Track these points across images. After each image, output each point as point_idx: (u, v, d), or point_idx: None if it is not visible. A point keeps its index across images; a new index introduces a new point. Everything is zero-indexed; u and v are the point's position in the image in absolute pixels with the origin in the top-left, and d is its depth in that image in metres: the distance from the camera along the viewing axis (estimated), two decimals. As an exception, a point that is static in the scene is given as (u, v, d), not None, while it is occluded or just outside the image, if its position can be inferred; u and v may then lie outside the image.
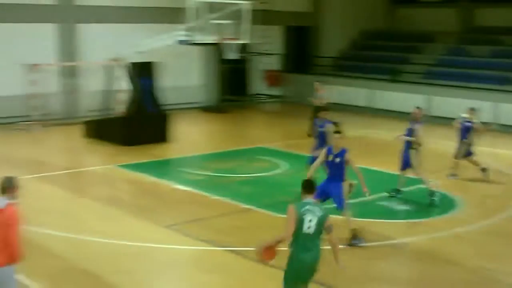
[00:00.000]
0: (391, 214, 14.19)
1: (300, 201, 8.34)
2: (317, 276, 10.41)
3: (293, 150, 20.61)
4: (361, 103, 29.87)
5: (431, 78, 28.89)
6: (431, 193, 14.86)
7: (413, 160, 15.07)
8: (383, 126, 25.35)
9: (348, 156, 12.03)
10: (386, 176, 17.40)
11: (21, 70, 23.48)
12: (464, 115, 17.49)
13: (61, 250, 11.52)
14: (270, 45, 31.39)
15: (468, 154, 17.48)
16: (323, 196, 12.00)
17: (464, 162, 17.49)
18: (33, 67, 22.96)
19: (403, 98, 27.93)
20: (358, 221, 12.50)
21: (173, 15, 23.03)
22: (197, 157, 19.85)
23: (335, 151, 12.08)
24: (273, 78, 31.85)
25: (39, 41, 24.39)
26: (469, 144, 17.40)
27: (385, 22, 36.82)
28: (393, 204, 14.81)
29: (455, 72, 29.31)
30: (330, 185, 12.15)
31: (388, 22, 36.94)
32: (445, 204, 14.90)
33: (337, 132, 12.46)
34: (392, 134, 21.23)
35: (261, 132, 26.03)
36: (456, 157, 17.53)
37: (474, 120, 17.38)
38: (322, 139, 14.66)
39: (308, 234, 8.24)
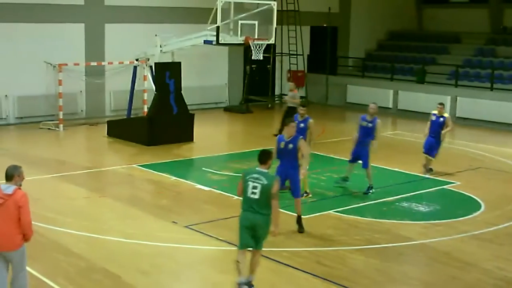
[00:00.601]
0: (410, 215, 14.10)
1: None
2: (334, 275, 10.47)
3: (316, 150, 20.53)
4: (387, 104, 29.70)
5: (458, 79, 28.64)
6: (370, 187, 15.51)
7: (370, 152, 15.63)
8: (407, 127, 25.21)
9: (300, 143, 12.67)
10: (407, 178, 17.31)
11: (47, 69, 23.71)
12: (435, 111, 17.68)
13: (81, 249, 11.58)
14: (296, 46, 31.36)
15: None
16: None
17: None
18: (58, 67, 23.13)
19: (429, 99, 27.75)
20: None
21: (199, 15, 23.11)
22: (219, 157, 19.88)
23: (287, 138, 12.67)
24: (298, 78, 31.81)
25: (65, 41, 24.54)
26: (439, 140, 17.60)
27: (413, 22, 36.60)
28: (413, 205, 14.73)
29: (482, 73, 29.08)
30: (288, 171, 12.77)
31: (415, 22, 36.71)
32: (465, 206, 14.79)
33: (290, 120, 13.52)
34: (416, 135, 21.20)
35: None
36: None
37: (445, 115, 17.57)
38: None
39: (252, 199, 9.44)
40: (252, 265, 9.84)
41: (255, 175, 9.49)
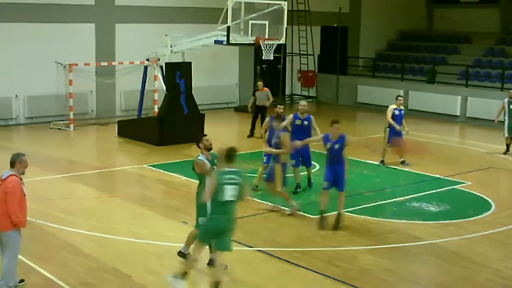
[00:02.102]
0: (421, 215, 14.06)
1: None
2: (345, 276, 10.47)
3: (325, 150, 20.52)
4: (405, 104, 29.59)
5: (468, 79, 28.56)
6: (297, 186, 15.55)
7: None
8: (417, 127, 25.12)
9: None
10: (418, 178, 17.28)
11: (57, 69, 23.77)
12: (393, 105, 18.38)
13: (91, 249, 11.62)
14: (306, 46, 31.35)
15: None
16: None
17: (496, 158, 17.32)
18: (69, 67, 23.19)
19: (439, 99, 27.71)
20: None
21: (210, 15, 23.10)
22: (230, 157, 19.85)
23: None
24: (308, 78, 31.78)
25: (76, 41, 24.58)
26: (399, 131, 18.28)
27: (423, 22, 36.51)
28: (424, 205, 14.70)
29: (492, 73, 28.99)
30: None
31: (425, 22, 36.62)
32: (476, 206, 14.76)
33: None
34: (427, 135, 21.17)
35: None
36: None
37: (402, 108, 18.51)
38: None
39: (229, 202, 9.25)
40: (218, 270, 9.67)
41: (230, 176, 9.28)
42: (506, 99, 20.72)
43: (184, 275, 9.65)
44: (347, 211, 14.03)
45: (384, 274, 10.77)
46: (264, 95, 22.91)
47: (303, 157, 15.59)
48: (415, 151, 10.65)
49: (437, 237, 12.64)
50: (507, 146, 20.40)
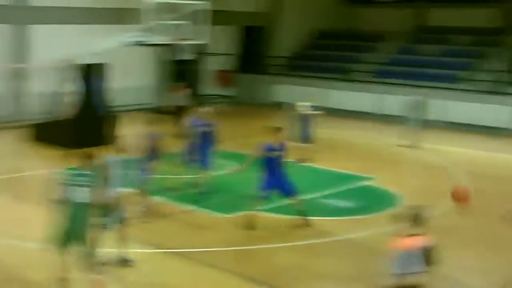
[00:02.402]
0: (333, 211, 14.31)
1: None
2: (258, 274, 10.54)
3: (240, 150, 20.62)
4: (314, 102, 29.94)
5: (382, 77, 29.17)
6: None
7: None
8: (334, 124, 25.51)
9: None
10: (330, 175, 17.54)
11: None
12: (302, 103, 19.15)
13: (1, 258, 11.34)
14: (223, 45, 31.41)
15: (306, 138, 18.92)
16: None
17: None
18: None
19: (355, 97, 28.16)
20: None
21: (127, 16, 22.90)
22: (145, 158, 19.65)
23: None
24: (225, 78, 31.86)
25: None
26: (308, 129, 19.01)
27: (339, 21, 37.01)
28: (336, 202, 14.94)
29: (405, 71, 29.66)
30: None
31: (341, 21, 37.13)
32: (386, 200, 15.08)
33: None
34: (342, 133, 21.51)
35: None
36: (301, 142, 18.87)
37: (311, 106, 19.21)
38: (203, 138, 15.15)
39: (80, 204, 9.19)
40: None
41: (80, 178, 9.32)
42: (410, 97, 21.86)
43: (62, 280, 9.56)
44: (263, 210, 14.13)
45: (297, 271, 10.89)
46: (183, 96, 22.93)
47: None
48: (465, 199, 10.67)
49: (349, 232, 12.86)
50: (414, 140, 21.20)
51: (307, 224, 13.00)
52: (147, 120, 14.39)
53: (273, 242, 12.22)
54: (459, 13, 32.33)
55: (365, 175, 17.46)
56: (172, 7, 21.88)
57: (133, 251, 11.74)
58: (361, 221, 13.63)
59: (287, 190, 12.98)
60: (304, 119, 18.74)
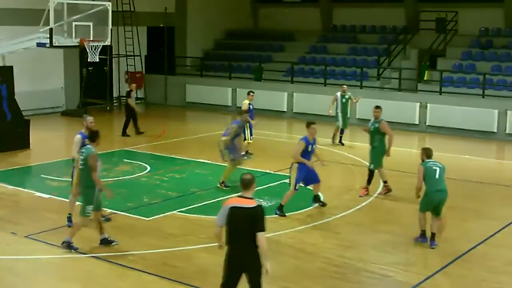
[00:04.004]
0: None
1: None
2: (182, 275, 10.47)
3: (156, 151, 20.52)
4: (226, 102, 30.12)
5: (293, 76, 29.49)
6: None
7: None
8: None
9: None
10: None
11: None
12: (247, 101, 19.86)
13: None
14: (133, 47, 31.10)
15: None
16: None
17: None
18: None
19: (267, 96, 28.31)
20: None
21: (32, 17, 22.29)
22: (58, 163, 19.23)
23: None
24: (136, 79, 31.55)
25: None
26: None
27: (249, 21, 37.22)
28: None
29: (316, 70, 30.09)
30: None
31: (251, 21, 37.36)
32: (305, 198, 15.18)
33: None
34: (257, 131, 21.57)
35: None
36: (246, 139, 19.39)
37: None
38: None
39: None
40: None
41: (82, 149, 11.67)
42: (338, 93, 22.12)
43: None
44: (181, 211, 14.08)
45: (221, 271, 10.84)
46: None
47: None
48: None
49: (270, 230, 12.79)
50: (334, 136, 21.79)
51: (323, 205, 14.64)
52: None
53: (194, 243, 12.16)
54: (363, 12, 33.05)
55: (285, 174, 17.56)
56: (79, 8, 21.46)
57: (54, 257, 11.51)
58: (282, 219, 13.72)
59: (315, 177, 14.32)
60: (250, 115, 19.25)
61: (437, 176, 12.04)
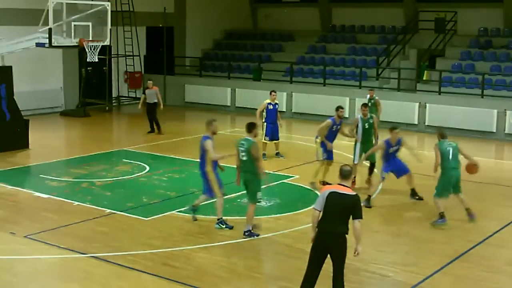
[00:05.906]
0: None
1: None
2: (180, 275, 10.46)
3: (156, 152, 20.51)
4: (225, 102, 30.12)
5: (293, 76, 29.49)
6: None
7: None
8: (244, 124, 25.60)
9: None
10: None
11: None
12: (267, 100, 19.71)
13: None
14: (132, 47, 31.08)
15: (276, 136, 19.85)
16: None
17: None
18: None
19: (266, 96, 28.19)
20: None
21: (31, 17, 22.27)
22: (58, 163, 19.29)
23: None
24: (135, 79, 31.53)
25: None
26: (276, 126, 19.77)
27: (248, 21, 37.21)
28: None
29: (315, 70, 30.08)
30: None
31: (250, 21, 37.34)
32: (304, 198, 15.22)
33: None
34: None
35: (124, 135, 25.76)
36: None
37: (276, 102, 19.84)
38: None
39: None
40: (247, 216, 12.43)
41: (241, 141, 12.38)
42: (359, 116, 16.65)
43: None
44: (180, 211, 14.07)
45: (220, 271, 10.86)
46: (154, 93, 23.56)
47: None
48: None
49: (270, 231, 12.91)
50: (368, 179, 16.59)
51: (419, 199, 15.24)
52: None
53: (193, 243, 12.14)
54: (362, 12, 33.06)
55: (283, 173, 17.61)
56: (79, 8, 21.48)
57: (53, 257, 11.51)
58: (281, 219, 13.72)
59: (404, 168, 15.36)
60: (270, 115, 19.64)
61: (450, 156, 13.20)
